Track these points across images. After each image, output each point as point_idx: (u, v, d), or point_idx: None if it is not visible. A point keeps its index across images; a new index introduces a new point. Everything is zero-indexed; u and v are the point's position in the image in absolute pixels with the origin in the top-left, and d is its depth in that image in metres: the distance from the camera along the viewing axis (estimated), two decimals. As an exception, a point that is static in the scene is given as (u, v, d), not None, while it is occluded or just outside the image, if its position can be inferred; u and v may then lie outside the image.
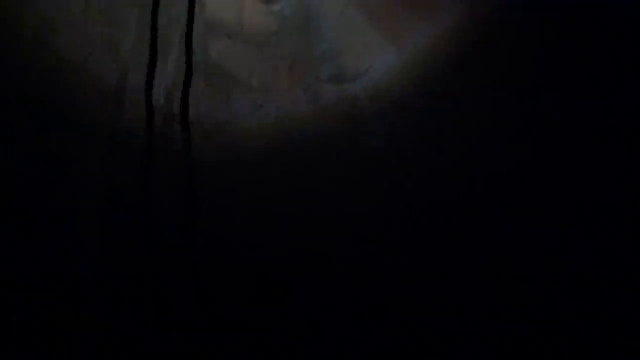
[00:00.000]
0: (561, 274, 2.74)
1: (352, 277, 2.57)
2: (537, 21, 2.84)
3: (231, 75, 2.79)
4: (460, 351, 2.64)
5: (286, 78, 2.80)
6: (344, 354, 2.56)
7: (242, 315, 2.48)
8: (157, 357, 2.44)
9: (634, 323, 2.68)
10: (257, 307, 2.49)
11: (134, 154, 2.62)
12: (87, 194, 2.50)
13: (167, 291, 2.47)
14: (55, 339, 2.38)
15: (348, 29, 2.82)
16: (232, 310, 2.49)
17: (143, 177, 2.61)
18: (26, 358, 2.37)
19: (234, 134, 2.71)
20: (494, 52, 2.83)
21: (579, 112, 2.83)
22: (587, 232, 2.78)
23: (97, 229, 2.47)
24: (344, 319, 2.56)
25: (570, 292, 2.73)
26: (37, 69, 2.52)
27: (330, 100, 2.74)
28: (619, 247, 2.75)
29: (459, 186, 2.72)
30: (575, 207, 2.78)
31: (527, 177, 2.78)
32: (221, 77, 2.79)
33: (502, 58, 2.83)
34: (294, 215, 2.59)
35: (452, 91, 2.80)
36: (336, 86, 2.78)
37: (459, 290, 2.66)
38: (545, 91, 2.83)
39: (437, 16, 2.81)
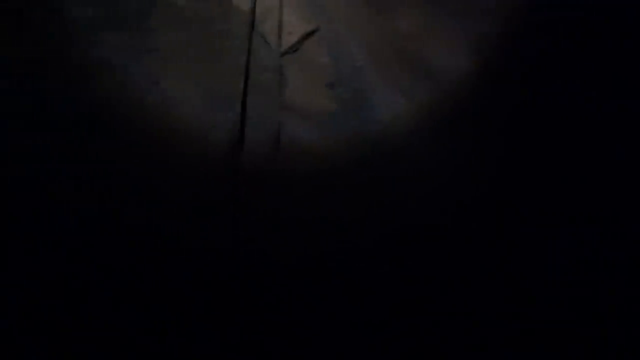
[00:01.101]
0: (569, 274, 2.79)
1: (351, 281, 2.91)
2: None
3: (298, 144, 3.56)
4: (464, 354, 2.73)
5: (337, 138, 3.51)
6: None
7: (244, 318, 2.85)
8: (157, 358, 2.68)
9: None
10: (258, 309, 2.87)
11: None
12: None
13: (170, 293, 2.85)
14: (55, 338, 2.62)
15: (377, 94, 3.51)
16: (233, 315, 2.86)
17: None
18: (26, 358, 2.53)
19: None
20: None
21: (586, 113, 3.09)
22: (595, 231, 2.85)
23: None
24: (343, 323, 2.85)
25: (579, 292, 2.76)
26: (157, 132, 3.45)
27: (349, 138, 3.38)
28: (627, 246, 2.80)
29: (457, 203, 3.05)
30: (583, 206, 2.89)
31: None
32: (294, 146, 3.57)
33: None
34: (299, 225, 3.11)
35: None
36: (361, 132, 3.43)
37: (462, 293, 2.80)
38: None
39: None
